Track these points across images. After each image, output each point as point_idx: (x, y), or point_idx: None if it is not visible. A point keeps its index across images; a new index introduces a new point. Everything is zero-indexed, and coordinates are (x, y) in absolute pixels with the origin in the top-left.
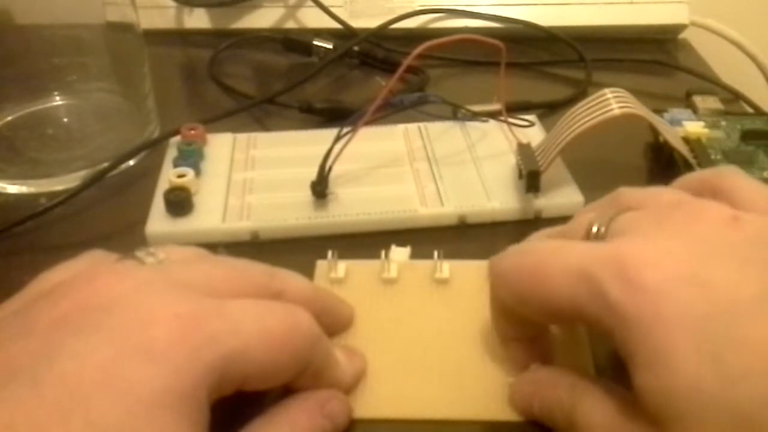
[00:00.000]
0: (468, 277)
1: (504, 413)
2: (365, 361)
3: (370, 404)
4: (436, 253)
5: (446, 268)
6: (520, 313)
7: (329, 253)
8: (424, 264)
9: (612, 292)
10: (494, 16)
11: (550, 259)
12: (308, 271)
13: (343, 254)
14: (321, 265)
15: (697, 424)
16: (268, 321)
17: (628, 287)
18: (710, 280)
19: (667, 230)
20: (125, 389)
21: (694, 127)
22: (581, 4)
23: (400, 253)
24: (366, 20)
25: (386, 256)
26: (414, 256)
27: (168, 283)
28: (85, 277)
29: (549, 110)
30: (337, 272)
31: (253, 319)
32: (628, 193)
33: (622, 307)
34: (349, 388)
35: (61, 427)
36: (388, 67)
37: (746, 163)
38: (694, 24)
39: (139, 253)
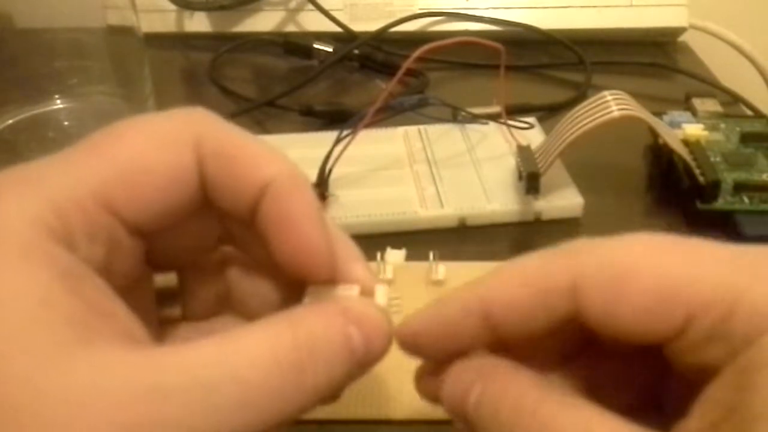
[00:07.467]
0: (464, 279)
1: None
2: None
3: (364, 406)
4: (431, 255)
5: (442, 269)
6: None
7: None
8: (419, 266)
9: None
10: (494, 19)
11: None
12: None
13: None
14: None
15: None
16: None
17: None
18: None
19: None
20: None
21: (694, 130)
22: (581, 7)
23: (395, 256)
24: (366, 23)
25: (382, 258)
26: (414, 258)
27: None
28: None
29: (549, 113)
30: None
31: None
32: None
33: None
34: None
35: None
36: (388, 69)
37: (745, 166)
38: (693, 27)
39: None
